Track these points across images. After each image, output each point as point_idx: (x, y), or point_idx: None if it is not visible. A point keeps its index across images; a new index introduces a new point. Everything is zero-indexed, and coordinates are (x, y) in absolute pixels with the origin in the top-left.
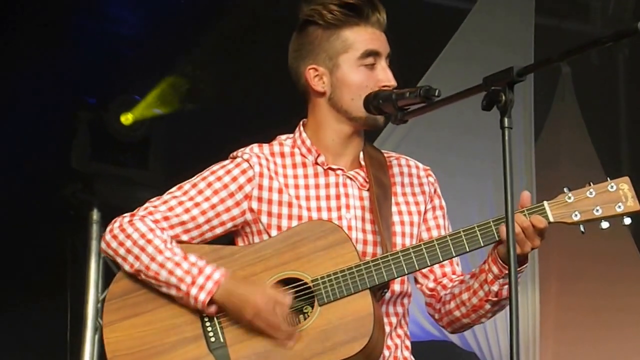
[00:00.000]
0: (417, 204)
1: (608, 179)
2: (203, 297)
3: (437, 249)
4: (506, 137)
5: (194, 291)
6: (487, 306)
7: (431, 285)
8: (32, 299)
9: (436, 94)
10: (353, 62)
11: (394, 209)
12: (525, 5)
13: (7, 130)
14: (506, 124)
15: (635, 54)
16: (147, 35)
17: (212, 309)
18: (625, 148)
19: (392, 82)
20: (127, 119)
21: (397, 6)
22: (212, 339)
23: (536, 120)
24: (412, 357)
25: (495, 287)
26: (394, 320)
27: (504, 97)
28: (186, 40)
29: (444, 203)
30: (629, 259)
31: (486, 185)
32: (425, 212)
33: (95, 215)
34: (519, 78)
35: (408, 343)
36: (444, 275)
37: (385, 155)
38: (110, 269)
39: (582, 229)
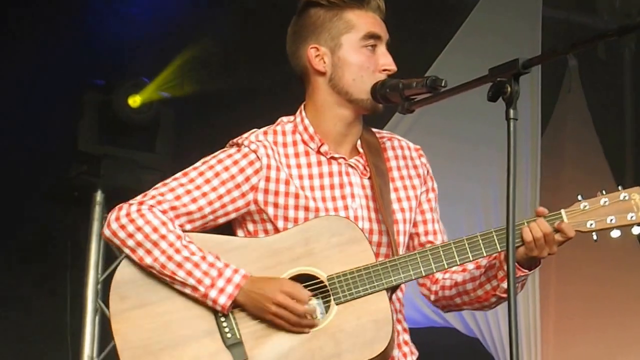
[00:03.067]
0: (413, 187)
1: (620, 188)
2: (223, 300)
3: (454, 252)
4: (511, 128)
5: (213, 294)
6: (493, 299)
7: None
8: (32, 280)
9: (442, 84)
10: (355, 43)
11: (392, 195)
12: None
13: (15, 113)
14: (511, 115)
15: None
16: (156, 17)
17: (230, 309)
18: (630, 141)
19: (393, 67)
20: (134, 101)
21: None
22: (228, 335)
23: (543, 112)
24: (410, 339)
25: (505, 285)
26: (397, 306)
27: (509, 89)
28: (195, 23)
29: (435, 185)
30: (628, 246)
31: (491, 170)
32: (420, 194)
33: (99, 196)
34: (524, 70)
35: (406, 325)
36: None
37: (378, 135)
38: (111, 251)
39: (595, 237)
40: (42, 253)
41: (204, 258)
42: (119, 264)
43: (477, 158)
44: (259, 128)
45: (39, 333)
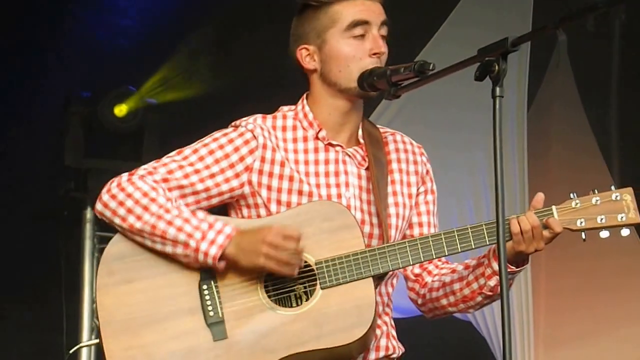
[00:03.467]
0: (409, 185)
1: (612, 187)
2: (214, 251)
3: (443, 243)
4: (497, 106)
5: (204, 246)
6: (479, 298)
7: (417, 270)
8: (26, 300)
9: (431, 67)
10: (340, 35)
11: (389, 189)
12: None
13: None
14: (497, 93)
15: (631, 19)
16: (143, 25)
17: (222, 264)
18: (616, 116)
19: (382, 49)
20: (120, 110)
21: None
22: (211, 313)
23: (529, 88)
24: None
25: (492, 282)
26: (385, 299)
27: (497, 67)
28: (180, 32)
29: (435, 187)
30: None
31: (478, 156)
32: (417, 194)
33: (89, 214)
34: (513, 48)
35: (393, 323)
36: (430, 261)
37: (381, 130)
38: None
39: (583, 236)
40: (35, 273)
41: (194, 213)
42: None
43: (463, 145)
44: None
45: (35, 354)
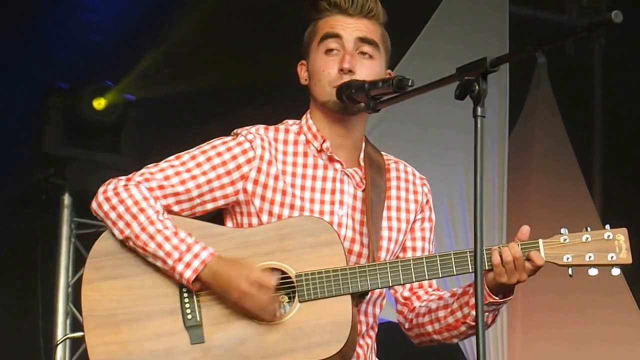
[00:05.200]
0: (407, 211)
1: (607, 227)
2: (189, 274)
3: (425, 267)
4: (478, 126)
5: (179, 267)
6: (462, 328)
7: (406, 294)
8: (1, 284)
9: (409, 83)
10: (315, 49)
11: (385, 213)
12: None
13: None
14: (479, 113)
15: (611, 44)
16: (119, 21)
17: (197, 286)
18: (599, 138)
19: (345, 65)
20: (99, 103)
21: None
22: (189, 316)
23: (511, 111)
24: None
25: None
26: (370, 320)
27: (477, 87)
28: (158, 26)
29: (433, 216)
30: None
31: (457, 171)
32: (414, 221)
33: (67, 199)
34: (492, 68)
35: (376, 345)
36: (420, 286)
37: (385, 158)
38: (80, 254)
39: (570, 272)
40: (12, 257)
41: (175, 233)
42: None
43: (442, 159)
44: (231, 132)
45: (10, 336)
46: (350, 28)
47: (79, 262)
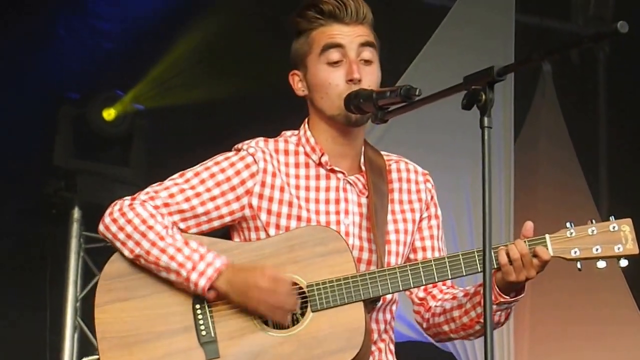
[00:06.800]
0: (412, 211)
1: (612, 218)
2: (203, 282)
3: (434, 269)
4: (485, 137)
5: (194, 277)
6: (477, 327)
7: (421, 294)
8: (11, 297)
9: (417, 93)
10: (316, 61)
11: (389, 217)
12: (506, 3)
13: None
14: (486, 124)
15: (615, 52)
16: (129, 30)
17: (212, 294)
18: (604, 147)
19: (355, 75)
20: (109, 114)
21: (377, 3)
22: (203, 332)
23: (516, 118)
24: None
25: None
26: (382, 327)
27: (484, 97)
28: (168, 35)
29: (439, 212)
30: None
31: (465, 180)
32: (420, 220)
33: (77, 213)
34: (499, 78)
35: (392, 346)
36: (434, 285)
37: (385, 158)
38: (89, 268)
39: (579, 265)
40: (22, 270)
41: (187, 244)
42: (97, 281)
43: (449, 167)
44: (241, 140)
45: (18, 349)
46: (350, 36)
47: (87, 276)
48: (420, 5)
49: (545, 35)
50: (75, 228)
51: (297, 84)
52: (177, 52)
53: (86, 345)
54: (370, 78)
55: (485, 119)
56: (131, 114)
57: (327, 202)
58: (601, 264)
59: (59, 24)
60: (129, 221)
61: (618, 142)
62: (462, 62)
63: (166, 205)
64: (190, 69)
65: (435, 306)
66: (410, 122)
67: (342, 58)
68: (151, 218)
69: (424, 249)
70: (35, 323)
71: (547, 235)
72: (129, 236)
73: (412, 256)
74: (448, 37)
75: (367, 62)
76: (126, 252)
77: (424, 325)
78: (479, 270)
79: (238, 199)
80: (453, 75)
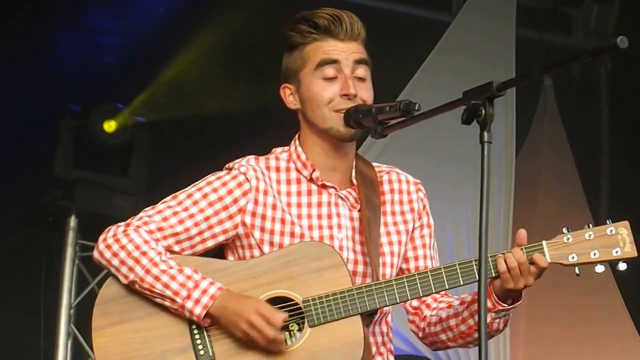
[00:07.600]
0: (405, 222)
1: (608, 221)
2: (199, 310)
3: (430, 280)
4: (485, 152)
5: (189, 305)
6: (476, 335)
7: (415, 303)
8: (5, 304)
9: (416, 107)
10: (310, 75)
11: (382, 229)
12: (506, 18)
13: None
14: (486, 139)
15: (616, 67)
16: (130, 44)
17: (207, 321)
18: (606, 161)
19: (350, 90)
20: (110, 126)
21: (377, 18)
22: (201, 352)
23: (518, 131)
24: None
25: (487, 319)
26: (379, 339)
27: (483, 112)
28: (168, 49)
29: (431, 221)
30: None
31: (465, 191)
32: (413, 230)
33: (73, 222)
34: (498, 93)
35: (392, 358)
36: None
37: (377, 169)
38: (83, 276)
39: (577, 271)
40: (16, 277)
41: (181, 271)
42: (91, 289)
43: (449, 177)
44: (240, 154)
45: (12, 355)
46: (346, 52)
47: (81, 284)
48: (420, 20)
49: (546, 49)
50: (71, 236)
51: (289, 97)
52: (179, 65)
53: (79, 352)
54: (365, 94)
55: (485, 133)
56: (131, 126)
57: (320, 217)
58: (600, 268)
59: (60, 39)
60: (123, 247)
61: (619, 155)
62: (465, 71)
63: (160, 229)
64: (190, 83)
65: (431, 315)
66: (414, 131)
67: (337, 74)
68: (145, 244)
69: (416, 258)
70: (29, 329)
71: (544, 242)
72: (122, 262)
73: (404, 266)
74: (448, 51)
75: (361, 79)
76: (121, 278)
77: (420, 334)
78: (477, 279)
79: (231, 217)
80: (455, 89)
